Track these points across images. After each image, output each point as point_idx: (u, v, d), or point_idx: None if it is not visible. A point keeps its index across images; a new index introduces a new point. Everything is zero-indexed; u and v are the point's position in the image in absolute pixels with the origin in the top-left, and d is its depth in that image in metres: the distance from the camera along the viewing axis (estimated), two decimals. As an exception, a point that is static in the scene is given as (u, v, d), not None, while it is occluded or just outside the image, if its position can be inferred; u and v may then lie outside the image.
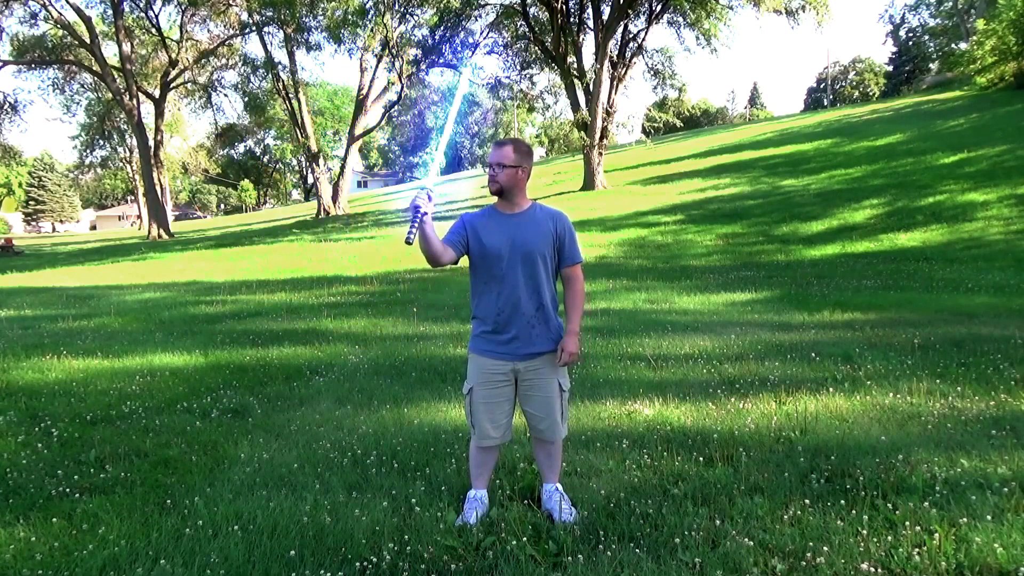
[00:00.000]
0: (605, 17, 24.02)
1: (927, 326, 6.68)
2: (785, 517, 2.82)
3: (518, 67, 28.38)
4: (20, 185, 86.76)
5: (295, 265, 15.89)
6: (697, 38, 25.02)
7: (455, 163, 76.12)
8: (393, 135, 73.61)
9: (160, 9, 33.34)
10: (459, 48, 27.30)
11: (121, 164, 56.45)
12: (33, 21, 30.98)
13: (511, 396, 2.91)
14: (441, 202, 2.68)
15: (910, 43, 63.76)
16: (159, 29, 33.37)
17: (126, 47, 29.94)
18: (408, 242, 2.61)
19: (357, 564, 2.58)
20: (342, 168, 33.07)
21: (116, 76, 30.54)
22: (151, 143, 33.13)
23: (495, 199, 2.89)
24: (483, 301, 2.87)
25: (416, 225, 2.59)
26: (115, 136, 50.04)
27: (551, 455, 3.02)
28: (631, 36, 25.17)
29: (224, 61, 35.75)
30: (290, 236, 23.14)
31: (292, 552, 2.64)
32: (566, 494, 3.03)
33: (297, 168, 77.28)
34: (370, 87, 30.58)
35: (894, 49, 66.51)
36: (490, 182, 2.81)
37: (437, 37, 26.08)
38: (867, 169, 19.61)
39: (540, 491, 3.07)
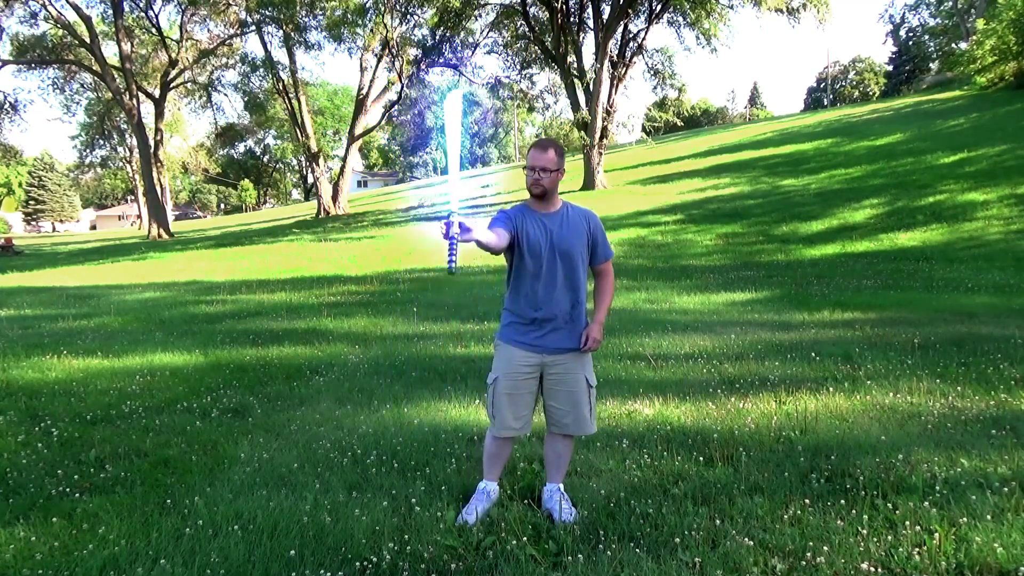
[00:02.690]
0: (605, 17, 24.01)
1: (927, 326, 6.68)
2: (785, 517, 2.82)
3: (518, 67, 28.39)
4: (20, 185, 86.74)
5: (295, 265, 15.89)
6: (697, 38, 25.02)
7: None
8: (393, 135, 73.58)
9: (160, 9, 33.39)
10: (459, 48, 27.31)
11: (121, 164, 56.46)
12: (33, 21, 30.96)
13: (535, 390, 2.94)
14: (464, 213, 2.61)
15: (910, 43, 63.76)
16: (159, 29, 33.37)
17: (126, 47, 29.92)
18: (451, 272, 2.58)
19: (357, 564, 2.58)
20: (342, 168, 33.04)
21: (116, 76, 30.52)
22: (151, 143, 33.11)
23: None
24: (521, 295, 2.88)
25: (454, 254, 2.54)
26: (115, 136, 50.08)
27: (561, 455, 3.02)
28: (631, 36, 25.17)
29: (224, 61, 35.75)
30: (290, 236, 23.14)
31: (292, 552, 2.64)
32: (566, 494, 3.03)
33: (297, 168, 77.29)
34: (370, 87, 30.55)
35: (894, 49, 66.50)
36: (534, 185, 2.81)
37: (437, 37, 26.07)
38: (867, 169, 19.61)
39: (541, 491, 3.08)
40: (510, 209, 2.91)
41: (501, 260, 2.99)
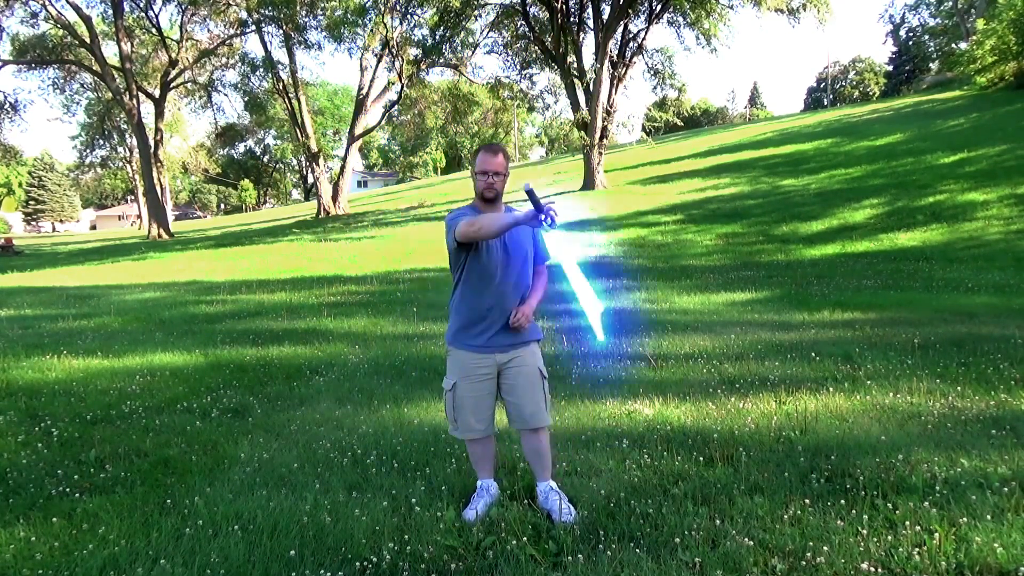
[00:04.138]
0: (605, 17, 24.01)
1: (927, 326, 6.68)
2: (785, 517, 2.82)
3: (518, 67, 28.38)
4: (20, 185, 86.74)
5: (295, 265, 15.89)
6: (697, 38, 25.00)
7: (455, 163, 76.02)
8: (393, 135, 73.60)
9: (160, 9, 33.37)
10: (459, 48, 27.32)
11: (121, 164, 56.46)
12: (33, 21, 31.00)
13: (494, 390, 2.99)
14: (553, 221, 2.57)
15: (910, 43, 63.78)
16: (159, 29, 33.36)
17: (126, 47, 29.92)
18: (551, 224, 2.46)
19: (357, 564, 2.58)
20: (342, 168, 33.04)
21: (116, 76, 30.52)
22: (151, 143, 33.10)
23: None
24: (470, 298, 2.92)
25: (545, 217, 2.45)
26: (115, 136, 50.10)
27: (539, 452, 3.04)
28: (631, 36, 25.16)
29: (224, 61, 35.75)
30: (290, 236, 23.14)
31: (292, 552, 2.64)
32: (564, 494, 3.03)
33: (297, 168, 77.32)
34: (370, 87, 30.56)
35: (894, 49, 66.54)
36: (487, 189, 2.86)
37: (437, 37, 26.07)
38: (867, 169, 19.61)
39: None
40: (463, 210, 2.95)
41: None
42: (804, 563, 2.47)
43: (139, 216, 53.84)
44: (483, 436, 3.02)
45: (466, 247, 2.85)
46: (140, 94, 32.38)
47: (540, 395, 2.98)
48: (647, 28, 24.80)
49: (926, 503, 2.85)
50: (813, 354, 5.57)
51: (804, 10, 22.97)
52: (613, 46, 24.35)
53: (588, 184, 24.64)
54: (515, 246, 2.89)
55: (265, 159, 78.37)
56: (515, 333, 2.93)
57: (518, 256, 2.91)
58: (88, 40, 29.75)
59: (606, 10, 24.22)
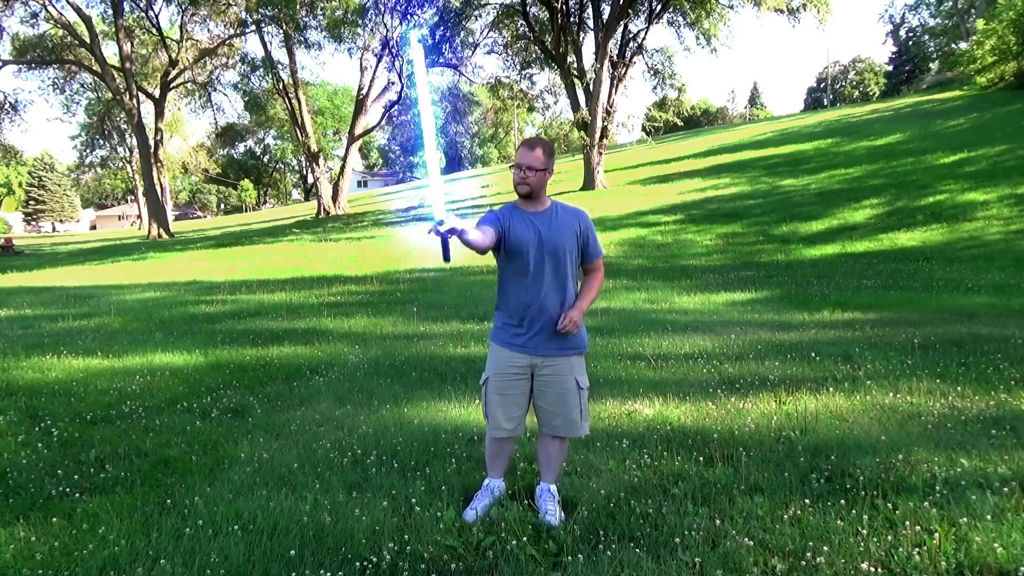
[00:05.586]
0: (605, 17, 24.02)
1: (927, 326, 6.68)
2: (785, 517, 2.82)
3: (518, 67, 28.42)
4: (20, 185, 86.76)
5: (295, 265, 15.89)
6: (697, 38, 25.05)
7: (455, 163, 76.08)
8: (393, 135, 73.57)
9: (160, 9, 33.39)
10: (459, 48, 27.33)
11: (121, 164, 56.52)
12: (33, 21, 31.07)
13: (526, 390, 2.92)
14: (452, 210, 2.57)
15: (910, 43, 63.83)
16: (159, 29, 33.38)
17: (126, 47, 29.93)
18: (447, 260, 2.56)
19: (357, 564, 2.58)
20: (342, 168, 33.08)
21: (116, 76, 30.54)
22: (151, 143, 33.11)
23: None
24: (510, 296, 2.88)
25: (447, 248, 2.52)
26: (115, 136, 50.16)
27: (552, 456, 3.02)
28: (631, 36, 25.18)
29: (224, 61, 35.78)
30: (290, 236, 23.14)
31: (292, 552, 2.64)
32: (559, 499, 3.02)
33: (297, 168, 77.36)
34: (370, 87, 30.59)
35: (894, 49, 66.59)
36: (520, 184, 2.80)
37: (437, 37, 26.08)
38: (867, 169, 19.61)
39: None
40: (499, 209, 2.90)
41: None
42: (804, 563, 2.47)
43: (139, 216, 53.86)
44: (511, 436, 2.98)
45: (498, 246, 2.79)
46: (140, 94, 32.39)
47: (573, 407, 2.89)
48: (647, 28, 24.82)
49: (926, 503, 2.85)
50: (813, 354, 5.57)
51: (804, 10, 23.00)
52: (613, 46, 24.36)
53: (588, 184, 24.64)
54: (551, 242, 2.80)
55: (265, 159, 78.43)
56: (557, 339, 2.85)
57: (553, 253, 2.81)
58: (88, 40, 29.76)
59: (606, 10, 24.23)
